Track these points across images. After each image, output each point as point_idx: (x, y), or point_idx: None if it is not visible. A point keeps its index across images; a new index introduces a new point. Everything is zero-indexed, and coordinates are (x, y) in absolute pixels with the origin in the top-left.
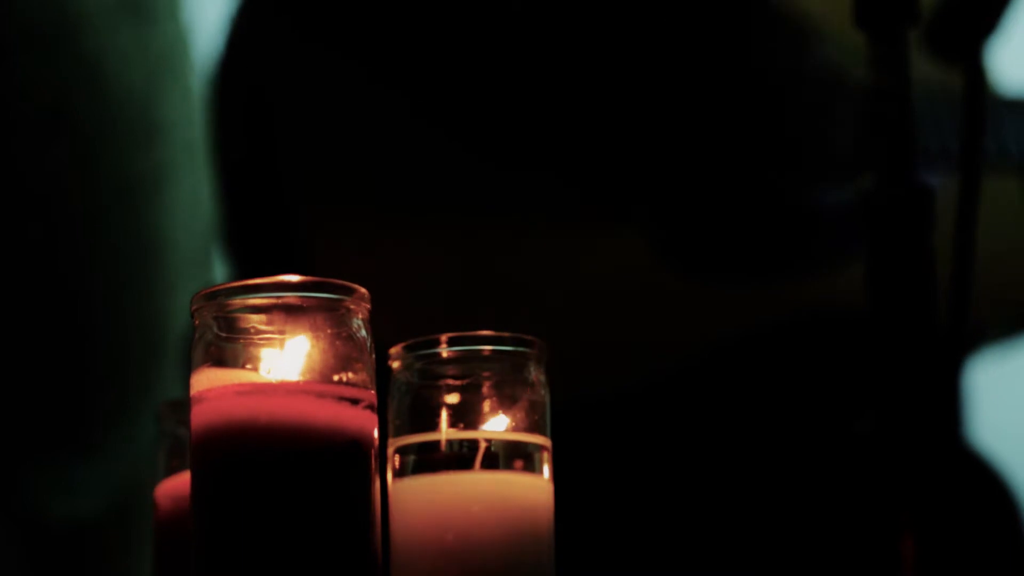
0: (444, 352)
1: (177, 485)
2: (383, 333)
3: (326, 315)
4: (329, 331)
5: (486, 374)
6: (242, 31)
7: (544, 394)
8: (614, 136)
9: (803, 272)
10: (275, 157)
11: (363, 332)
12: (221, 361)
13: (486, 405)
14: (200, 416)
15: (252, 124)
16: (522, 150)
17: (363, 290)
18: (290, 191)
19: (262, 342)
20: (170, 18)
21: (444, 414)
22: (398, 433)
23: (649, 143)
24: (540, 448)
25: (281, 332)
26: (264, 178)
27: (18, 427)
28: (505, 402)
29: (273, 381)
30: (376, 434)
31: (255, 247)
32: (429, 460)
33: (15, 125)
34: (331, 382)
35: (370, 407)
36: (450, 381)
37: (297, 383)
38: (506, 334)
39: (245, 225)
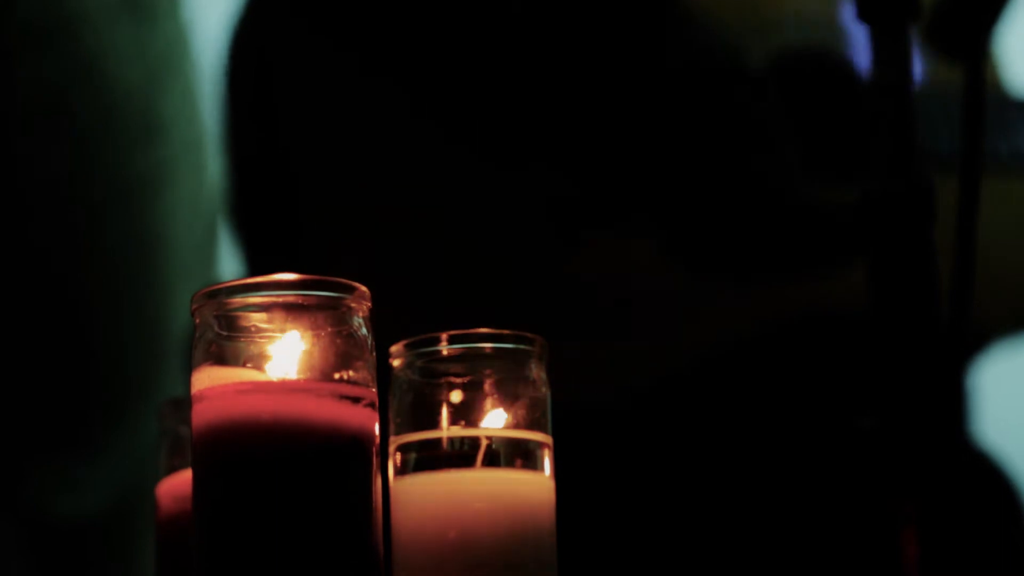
0: (445, 350)
1: (178, 484)
2: (384, 331)
3: (326, 313)
4: (329, 329)
5: (487, 372)
6: (248, 23)
7: (545, 392)
8: (617, 134)
9: (807, 271)
10: (282, 147)
11: (364, 330)
12: (222, 359)
13: (487, 403)
14: (201, 415)
15: (259, 118)
16: (525, 147)
17: (363, 288)
18: (296, 183)
19: (263, 340)
20: (170, 17)
21: (445, 412)
22: (399, 431)
23: (652, 141)
24: (541, 446)
25: (281, 330)
26: (272, 170)
27: (20, 426)
28: (506, 400)
29: (274, 379)
30: (377, 432)
31: (262, 239)
32: (430, 458)
33: (15, 124)
34: (332, 380)
35: (371, 405)
36: (451, 379)
37: (298, 381)
38: (507, 331)
39: (252, 216)
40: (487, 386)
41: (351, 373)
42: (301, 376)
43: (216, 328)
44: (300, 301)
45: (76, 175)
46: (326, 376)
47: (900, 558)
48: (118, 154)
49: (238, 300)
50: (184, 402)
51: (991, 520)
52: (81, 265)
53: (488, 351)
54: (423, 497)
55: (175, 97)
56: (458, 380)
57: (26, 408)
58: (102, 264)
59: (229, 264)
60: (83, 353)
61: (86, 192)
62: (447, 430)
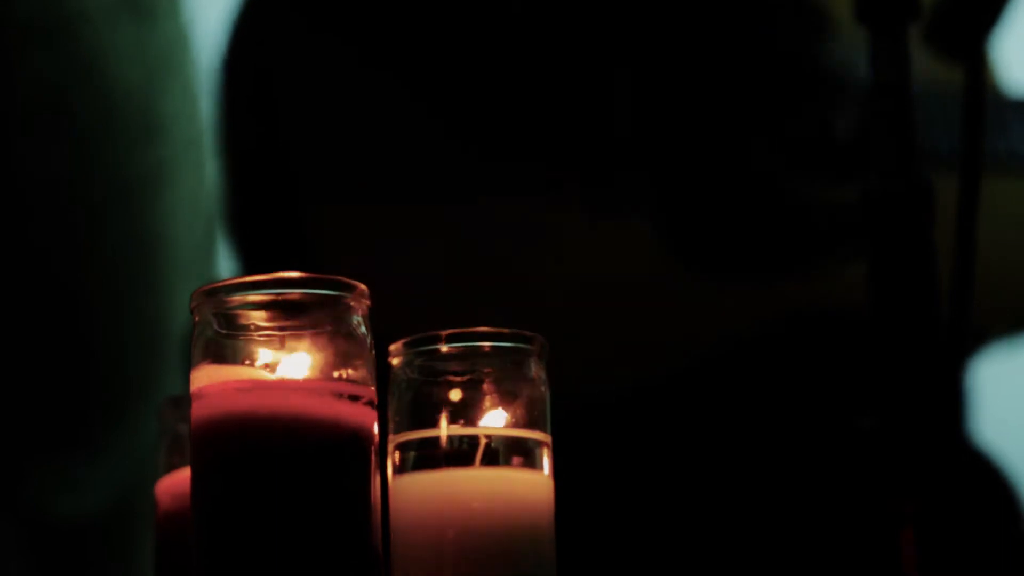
0: (444, 348)
1: (177, 482)
2: (383, 329)
3: (326, 311)
4: (329, 327)
5: (486, 370)
6: (248, 19)
7: (544, 390)
8: (618, 131)
9: (806, 270)
10: (281, 146)
11: (363, 328)
12: (221, 357)
13: (486, 401)
14: (200, 413)
15: (258, 116)
16: (526, 145)
17: (363, 286)
18: (294, 181)
19: (262, 339)
20: (170, 15)
21: (444, 410)
22: (398, 429)
23: (653, 138)
24: (540, 444)
25: (281, 328)
26: (270, 168)
27: (21, 425)
28: (505, 398)
29: (273, 378)
30: (376, 430)
31: (260, 238)
32: (429, 456)
33: (14, 123)
34: (331, 379)
35: (370, 403)
36: (450, 377)
37: (297, 380)
38: (506, 330)
39: (250, 215)
40: (486, 384)
41: (350, 371)
42: (300, 374)
43: (215, 326)
44: (299, 299)
45: (76, 174)
46: (325, 374)
47: (899, 558)
48: (118, 154)
49: (237, 298)
50: (183, 400)
51: (990, 520)
52: (81, 265)
53: (487, 349)
54: (422, 496)
55: (175, 96)
56: (457, 379)
57: (26, 408)
58: (102, 264)
59: (229, 263)
60: (83, 353)
61: (86, 192)
62: (446, 429)
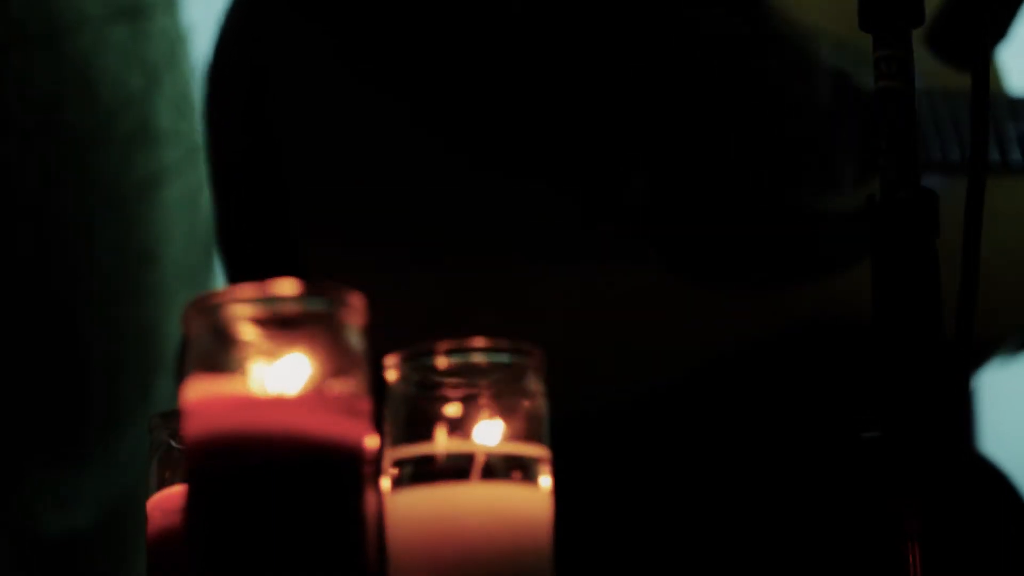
0: (441, 362)
1: (169, 498)
2: (379, 342)
3: (321, 324)
4: (324, 341)
5: (484, 384)
6: (240, 22)
7: (542, 404)
8: (618, 142)
9: (809, 279)
10: (273, 155)
11: (359, 341)
12: (214, 371)
13: (484, 415)
14: (192, 427)
15: (249, 122)
16: (523, 155)
17: (359, 299)
18: (287, 192)
19: (256, 352)
20: (166, 20)
21: (441, 425)
22: (394, 444)
23: (653, 149)
24: (539, 459)
25: (275, 341)
26: (262, 177)
27: (12, 439)
28: (503, 412)
29: (266, 392)
30: (372, 445)
31: (251, 249)
32: (426, 472)
33: (7, 129)
34: (326, 392)
35: (365, 418)
36: (447, 391)
37: (291, 394)
38: (504, 343)
39: (241, 226)
40: (484, 398)
41: (346, 385)
42: (294, 388)
43: (208, 339)
44: (294, 312)
45: (70, 182)
46: (320, 388)
47: (903, 569)
48: (113, 161)
49: (230, 311)
50: (173, 416)
51: (996, 531)
52: (74, 275)
53: (485, 363)
54: (418, 512)
55: (171, 102)
56: (454, 392)
57: (18, 420)
58: (96, 274)
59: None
60: (76, 365)
61: (80, 200)
62: (443, 443)
